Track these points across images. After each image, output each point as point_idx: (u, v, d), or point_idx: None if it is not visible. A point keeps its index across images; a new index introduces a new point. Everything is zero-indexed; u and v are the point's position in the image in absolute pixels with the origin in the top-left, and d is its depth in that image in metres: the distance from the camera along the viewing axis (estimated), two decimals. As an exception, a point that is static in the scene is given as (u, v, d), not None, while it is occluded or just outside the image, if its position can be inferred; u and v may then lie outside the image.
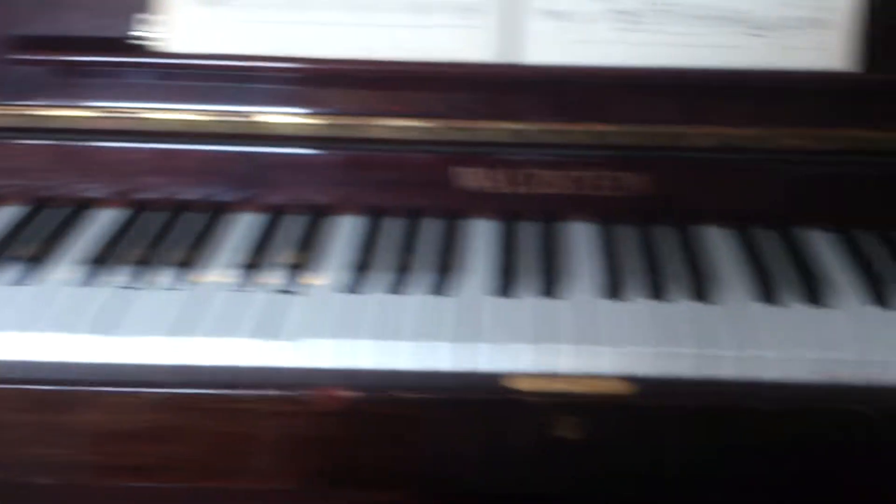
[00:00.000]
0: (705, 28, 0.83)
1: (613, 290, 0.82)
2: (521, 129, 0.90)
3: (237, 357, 0.76)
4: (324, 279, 0.84)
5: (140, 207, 0.95)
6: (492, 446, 0.77)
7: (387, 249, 0.88)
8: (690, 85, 0.87)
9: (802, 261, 0.86)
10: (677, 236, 0.90)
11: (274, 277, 0.84)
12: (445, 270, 0.84)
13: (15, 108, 0.93)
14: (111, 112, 0.94)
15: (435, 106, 0.91)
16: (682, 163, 0.90)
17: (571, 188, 0.92)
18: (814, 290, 0.82)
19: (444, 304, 0.81)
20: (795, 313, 0.80)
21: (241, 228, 0.93)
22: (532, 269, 0.86)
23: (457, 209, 0.94)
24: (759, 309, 0.81)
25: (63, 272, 0.85)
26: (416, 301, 0.81)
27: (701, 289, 0.82)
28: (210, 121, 0.93)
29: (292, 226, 0.92)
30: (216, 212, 0.94)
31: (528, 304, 0.81)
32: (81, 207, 0.95)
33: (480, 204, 0.94)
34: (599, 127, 0.89)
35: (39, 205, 0.96)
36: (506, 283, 0.83)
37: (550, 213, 0.93)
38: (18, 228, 0.92)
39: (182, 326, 0.77)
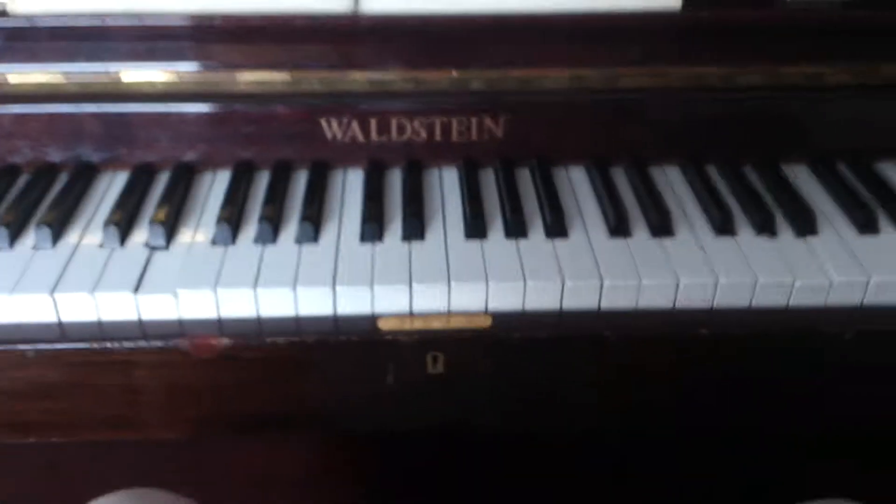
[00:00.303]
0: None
1: (477, 231, 0.88)
2: (380, 79, 0.95)
3: (115, 311, 0.80)
4: (197, 233, 0.88)
5: (7, 173, 0.96)
6: (366, 386, 0.83)
7: (257, 202, 0.92)
8: (535, 29, 0.93)
9: (654, 194, 0.94)
10: (535, 176, 0.97)
11: (146, 234, 0.87)
12: (315, 219, 0.89)
13: None
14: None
15: (295, 58, 0.94)
16: (535, 105, 0.96)
17: (432, 134, 0.97)
18: (663, 223, 0.89)
19: (315, 252, 0.85)
20: (641, 243, 0.87)
21: (111, 188, 0.95)
22: (398, 214, 0.91)
23: (324, 160, 0.98)
24: (610, 242, 0.88)
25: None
26: (288, 250, 0.86)
27: (558, 225, 0.89)
28: (68, 82, 0.94)
29: (162, 183, 0.95)
30: (85, 172, 0.96)
31: (395, 248, 0.86)
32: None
33: (347, 153, 0.98)
34: (455, 73, 0.94)
35: None
36: (374, 229, 0.88)
37: (415, 159, 0.98)
38: None
39: (59, 283, 0.81)
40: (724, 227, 0.89)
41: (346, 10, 0.92)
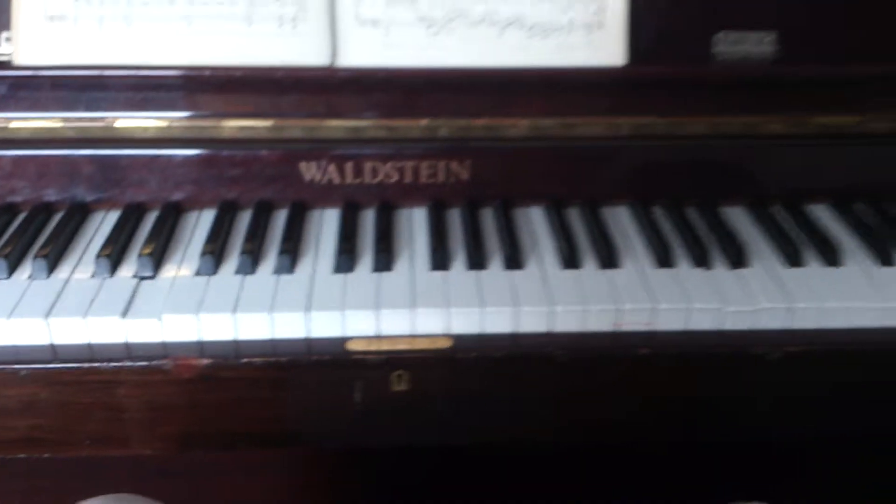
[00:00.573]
0: (500, 33, 0.99)
1: (440, 263, 0.97)
2: (355, 126, 1.05)
3: (104, 334, 0.88)
4: (182, 265, 0.97)
5: (6, 211, 1.05)
6: (336, 403, 0.91)
7: (239, 237, 1.01)
8: (495, 82, 1.03)
9: (604, 231, 1.03)
10: (496, 215, 1.06)
11: (135, 266, 0.96)
12: (292, 252, 0.98)
13: None
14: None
15: (277, 107, 1.04)
16: (497, 151, 1.06)
17: (404, 177, 1.07)
18: (610, 257, 0.98)
19: (291, 281, 0.94)
20: (590, 274, 0.96)
21: (103, 225, 1.04)
22: (370, 248, 1.00)
23: (303, 200, 1.07)
24: (562, 273, 0.97)
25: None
26: (266, 279, 0.94)
27: (515, 258, 0.98)
28: (65, 126, 1.04)
29: (151, 220, 1.04)
30: (80, 211, 1.05)
31: (365, 279, 0.95)
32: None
33: (324, 194, 1.07)
34: (423, 122, 1.04)
35: None
36: (346, 261, 0.96)
37: (386, 200, 1.08)
38: None
39: (53, 309, 0.89)
40: (664, 260, 0.98)
41: (323, 64, 1.02)
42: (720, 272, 0.97)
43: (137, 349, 0.89)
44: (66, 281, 0.94)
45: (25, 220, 1.03)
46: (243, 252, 0.97)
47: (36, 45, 0.99)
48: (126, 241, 1.00)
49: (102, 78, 1.01)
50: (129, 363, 0.87)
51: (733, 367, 0.92)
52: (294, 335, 0.90)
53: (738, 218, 1.08)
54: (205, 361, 0.87)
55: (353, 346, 0.89)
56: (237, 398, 0.90)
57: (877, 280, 0.97)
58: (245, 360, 0.88)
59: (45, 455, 0.92)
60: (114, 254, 0.97)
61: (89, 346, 0.89)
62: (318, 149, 1.05)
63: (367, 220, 1.05)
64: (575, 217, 1.07)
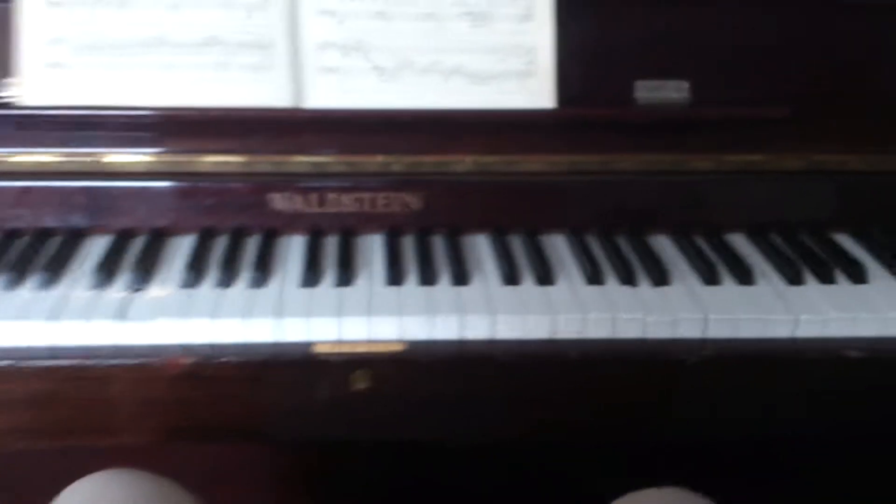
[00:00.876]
0: (444, 79, 1.17)
1: (395, 280, 1.13)
2: (318, 161, 1.21)
3: (99, 336, 1.03)
4: (168, 278, 1.12)
5: (8, 235, 1.20)
6: (304, 401, 1.06)
7: (217, 256, 1.16)
8: (441, 122, 1.19)
9: (541, 255, 1.19)
10: (446, 241, 1.22)
11: (127, 278, 1.11)
12: (264, 270, 1.13)
13: None
14: (-24, 158, 1.20)
15: (249, 144, 1.19)
16: (445, 184, 1.22)
17: (363, 207, 1.22)
18: (546, 275, 1.14)
19: (263, 294, 1.10)
20: (528, 290, 1.13)
21: (96, 247, 1.19)
22: (332, 268, 1.16)
23: (273, 227, 1.22)
24: (503, 289, 1.13)
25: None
26: (241, 292, 1.10)
27: (461, 276, 1.14)
28: (62, 161, 1.19)
29: (139, 243, 1.20)
30: (74, 236, 1.21)
31: (328, 292, 1.11)
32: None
33: (292, 222, 1.22)
34: (379, 158, 1.20)
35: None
36: (312, 276, 1.12)
37: (347, 227, 1.23)
38: None
39: (53, 313, 1.05)
40: (594, 278, 1.14)
41: (289, 105, 1.18)
42: (644, 289, 1.13)
43: (129, 350, 1.03)
44: (66, 292, 1.09)
45: (27, 244, 1.18)
46: (221, 267, 1.12)
47: (37, 88, 1.15)
48: (118, 259, 1.15)
49: (95, 117, 1.17)
50: (122, 361, 1.02)
51: (655, 369, 1.08)
52: (266, 339, 1.04)
53: (663, 244, 1.24)
54: (189, 360, 1.02)
55: (318, 349, 1.05)
56: (217, 394, 1.04)
57: (785, 296, 1.12)
58: (224, 359, 1.03)
59: (44, 446, 1.07)
60: (108, 269, 1.12)
61: (86, 348, 1.03)
62: (285, 181, 1.21)
63: (331, 245, 1.21)
64: (516, 243, 1.23)
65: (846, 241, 1.26)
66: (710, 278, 1.15)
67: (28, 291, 1.09)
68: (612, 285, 1.14)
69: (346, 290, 1.10)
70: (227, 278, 1.11)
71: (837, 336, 1.08)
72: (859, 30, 1.25)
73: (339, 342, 1.05)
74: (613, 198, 1.26)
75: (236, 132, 1.20)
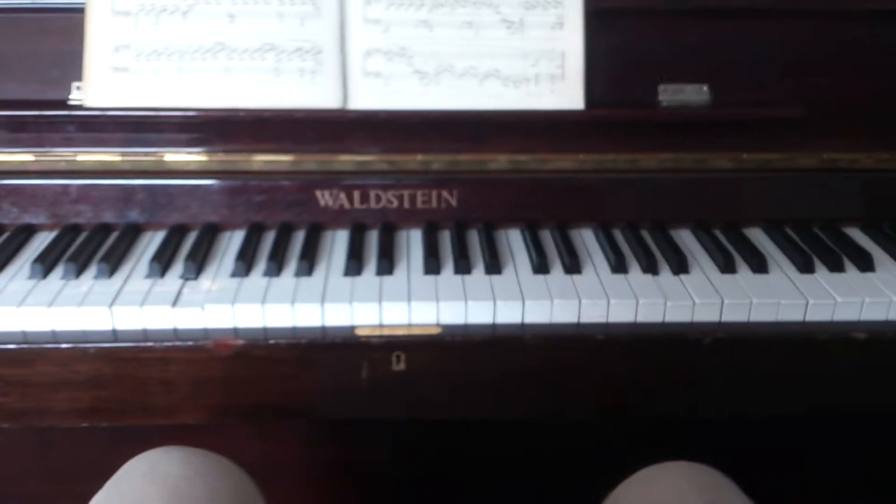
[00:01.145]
0: (480, 83, 1.23)
1: (433, 269, 1.18)
2: (362, 160, 1.27)
3: (156, 321, 1.09)
4: (219, 269, 1.18)
5: (70, 229, 1.27)
6: (347, 380, 1.11)
7: (266, 249, 1.22)
8: (477, 123, 1.25)
9: (570, 246, 1.24)
10: (481, 235, 1.27)
11: (181, 269, 1.17)
12: (310, 260, 1.19)
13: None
14: (45, 156, 1.26)
15: (296, 144, 1.26)
16: (480, 181, 1.28)
17: (403, 203, 1.28)
18: (574, 264, 1.19)
19: (309, 282, 1.15)
20: (557, 278, 1.17)
21: (153, 241, 1.25)
22: (374, 258, 1.21)
23: (319, 222, 1.29)
24: (533, 277, 1.18)
25: (21, 274, 1.17)
26: (289, 280, 1.16)
27: (495, 266, 1.19)
28: (123, 160, 1.26)
29: (192, 238, 1.26)
30: (131, 231, 1.27)
31: (370, 280, 1.16)
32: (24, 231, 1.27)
33: (336, 218, 1.29)
34: (419, 156, 1.27)
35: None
36: (354, 266, 1.18)
37: (388, 222, 1.29)
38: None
39: (115, 300, 1.10)
40: (619, 267, 1.19)
41: (336, 107, 1.24)
42: (665, 277, 1.18)
43: (184, 333, 1.09)
44: (125, 280, 1.15)
45: (87, 237, 1.25)
46: (269, 259, 1.18)
47: (102, 91, 1.22)
48: (173, 251, 1.21)
49: (155, 119, 1.23)
50: (177, 343, 1.08)
51: (673, 350, 1.12)
52: (311, 323, 1.10)
53: (684, 237, 1.29)
54: (239, 342, 1.08)
55: (360, 332, 1.10)
56: (265, 374, 1.10)
57: (797, 283, 1.17)
58: (272, 341, 1.08)
59: (105, 424, 1.12)
60: (163, 260, 1.18)
61: (144, 331, 1.09)
62: (330, 179, 1.27)
63: (372, 239, 1.27)
64: (547, 236, 1.28)
65: (856, 234, 1.31)
66: (727, 267, 1.20)
67: (90, 280, 1.15)
68: (635, 274, 1.19)
69: (386, 279, 1.16)
70: (275, 268, 1.17)
71: (845, 320, 1.13)
72: (869, 35, 1.30)
73: (380, 326, 1.11)
74: (638, 194, 1.31)
75: (286, 133, 1.27)
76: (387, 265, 1.18)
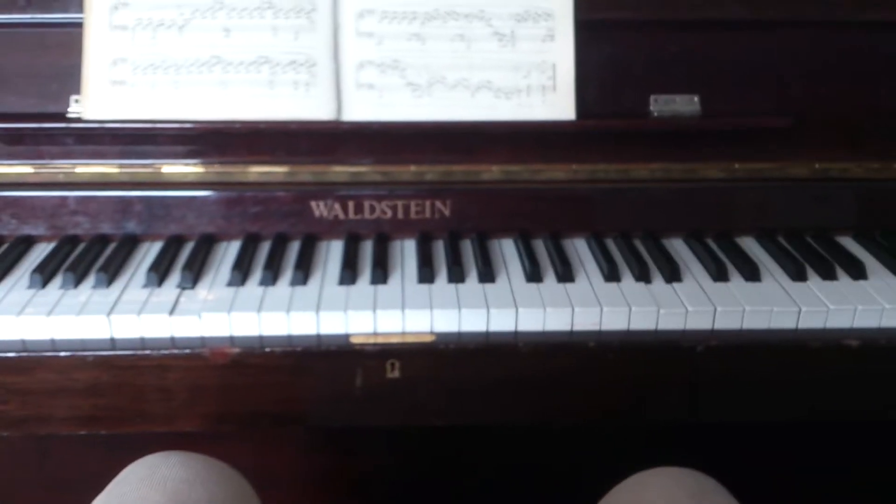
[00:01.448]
0: (472, 94, 1.25)
1: (426, 278, 1.21)
2: (356, 171, 1.30)
3: (154, 329, 1.12)
4: (216, 278, 1.21)
5: (70, 240, 1.29)
6: (341, 388, 1.14)
7: (262, 259, 1.25)
8: (470, 134, 1.28)
9: (563, 255, 1.26)
10: (474, 244, 1.30)
11: (178, 278, 1.20)
12: (305, 270, 1.22)
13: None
14: (44, 168, 1.29)
15: (292, 155, 1.29)
16: (473, 192, 1.31)
17: (397, 213, 1.31)
18: (566, 273, 1.22)
19: (304, 290, 1.18)
20: (549, 287, 1.20)
21: (150, 252, 1.28)
22: (368, 268, 1.24)
23: (313, 233, 1.31)
24: (526, 286, 1.20)
25: (20, 284, 1.20)
26: (284, 289, 1.18)
27: (488, 275, 1.21)
28: (120, 172, 1.29)
29: (189, 248, 1.28)
30: (128, 241, 1.29)
31: (364, 289, 1.19)
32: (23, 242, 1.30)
33: (331, 228, 1.31)
34: (412, 167, 1.30)
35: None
36: (349, 275, 1.20)
37: (382, 232, 1.32)
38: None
39: (113, 309, 1.13)
40: (611, 276, 1.22)
41: (330, 118, 1.27)
42: (658, 286, 1.21)
43: (181, 341, 1.12)
44: (123, 289, 1.18)
45: (86, 248, 1.27)
46: (265, 269, 1.21)
47: (100, 104, 1.25)
48: (170, 261, 1.24)
49: (152, 131, 1.26)
50: (174, 351, 1.10)
51: (666, 358, 1.15)
52: (307, 332, 1.13)
53: (677, 246, 1.32)
54: (235, 350, 1.10)
55: (354, 340, 1.12)
56: (261, 382, 1.12)
57: (789, 291, 1.19)
58: (268, 349, 1.11)
59: (103, 431, 1.14)
60: (161, 270, 1.21)
61: (142, 339, 1.12)
62: (325, 190, 1.30)
63: (366, 249, 1.30)
64: (540, 245, 1.31)
65: (848, 243, 1.34)
66: (720, 276, 1.22)
67: (88, 290, 1.18)
68: (628, 282, 1.21)
69: (380, 288, 1.18)
70: (270, 277, 1.19)
71: (838, 327, 1.15)
72: (860, 46, 1.33)
73: (375, 334, 1.13)
74: (630, 203, 1.34)
75: (281, 144, 1.30)
76: (381, 274, 1.21)
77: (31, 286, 1.18)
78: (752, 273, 1.23)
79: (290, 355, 1.11)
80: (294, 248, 1.29)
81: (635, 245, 1.30)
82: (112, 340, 1.12)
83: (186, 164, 1.29)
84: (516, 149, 1.30)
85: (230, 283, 1.20)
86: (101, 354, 1.10)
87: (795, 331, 1.15)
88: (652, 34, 1.32)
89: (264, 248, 1.28)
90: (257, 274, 1.21)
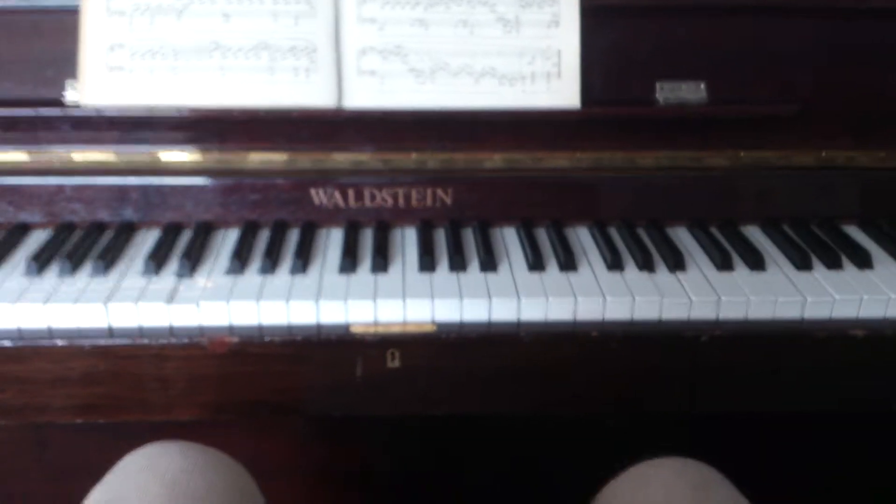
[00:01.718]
0: (475, 81, 1.25)
1: (427, 267, 1.21)
2: (357, 159, 1.30)
3: (151, 318, 1.12)
4: (214, 265, 1.21)
5: (67, 228, 1.30)
6: (341, 377, 1.14)
7: (261, 247, 1.25)
8: (472, 121, 1.28)
9: (566, 244, 1.27)
10: (476, 232, 1.30)
11: (176, 266, 1.20)
12: (304, 258, 1.22)
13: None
14: (40, 155, 1.29)
15: (291, 142, 1.29)
16: (475, 180, 1.31)
17: (398, 201, 1.31)
18: (569, 262, 1.22)
19: (304, 279, 1.18)
20: (552, 276, 1.20)
21: (147, 239, 1.28)
22: (368, 256, 1.24)
23: (313, 221, 1.32)
24: (528, 275, 1.20)
25: (16, 272, 1.20)
26: (284, 278, 1.19)
27: (490, 263, 1.22)
28: (118, 160, 1.29)
29: (187, 236, 1.29)
30: (126, 229, 1.30)
31: (365, 277, 1.19)
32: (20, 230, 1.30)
33: (331, 216, 1.31)
34: (413, 155, 1.29)
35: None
36: (349, 263, 1.20)
37: (383, 220, 1.32)
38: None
39: (111, 297, 1.13)
40: (614, 265, 1.22)
41: (331, 106, 1.27)
42: (661, 275, 1.21)
43: (179, 330, 1.12)
44: (120, 277, 1.18)
45: (83, 236, 1.28)
46: (264, 257, 1.21)
47: (97, 90, 1.25)
48: (168, 249, 1.24)
49: (150, 117, 1.26)
50: (172, 340, 1.11)
51: (670, 348, 1.15)
52: (306, 321, 1.13)
53: (681, 235, 1.32)
54: (234, 339, 1.11)
55: (354, 329, 1.13)
56: (261, 371, 1.13)
57: (794, 280, 1.20)
58: (267, 338, 1.11)
59: (101, 420, 1.15)
60: (159, 258, 1.21)
61: (140, 328, 1.12)
62: (325, 178, 1.30)
63: (367, 237, 1.30)
64: (542, 234, 1.31)
65: (854, 232, 1.34)
66: (724, 265, 1.22)
67: (85, 278, 1.18)
68: (631, 271, 1.21)
69: (381, 276, 1.19)
70: (269, 266, 1.19)
71: (843, 317, 1.15)
72: (867, 33, 1.32)
73: (375, 323, 1.13)
74: (634, 191, 1.34)
75: (281, 131, 1.30)
76: (381, 263, 1.21)
77: (27, 274, 1.18)
78: (756, 262, 1.23)
79: (289, 344, 1.12)
80: (293, 237, 1.29)
81: (639, 234, 1.30)
82: (109, 329, 1.12)
83: (184, 151, 1.29)
84: (519, 136, 1.30)
85: (229, 272, 1.20)
86: (98, 343, 1.10)
87: (801, 321, 1.16)
88: (658, 20, 1.31)
89: (263, 236, 1.29)
90: (256, 262, 1.22)
